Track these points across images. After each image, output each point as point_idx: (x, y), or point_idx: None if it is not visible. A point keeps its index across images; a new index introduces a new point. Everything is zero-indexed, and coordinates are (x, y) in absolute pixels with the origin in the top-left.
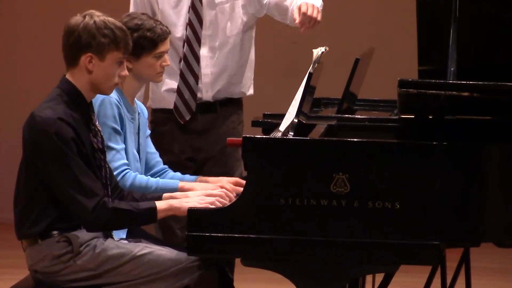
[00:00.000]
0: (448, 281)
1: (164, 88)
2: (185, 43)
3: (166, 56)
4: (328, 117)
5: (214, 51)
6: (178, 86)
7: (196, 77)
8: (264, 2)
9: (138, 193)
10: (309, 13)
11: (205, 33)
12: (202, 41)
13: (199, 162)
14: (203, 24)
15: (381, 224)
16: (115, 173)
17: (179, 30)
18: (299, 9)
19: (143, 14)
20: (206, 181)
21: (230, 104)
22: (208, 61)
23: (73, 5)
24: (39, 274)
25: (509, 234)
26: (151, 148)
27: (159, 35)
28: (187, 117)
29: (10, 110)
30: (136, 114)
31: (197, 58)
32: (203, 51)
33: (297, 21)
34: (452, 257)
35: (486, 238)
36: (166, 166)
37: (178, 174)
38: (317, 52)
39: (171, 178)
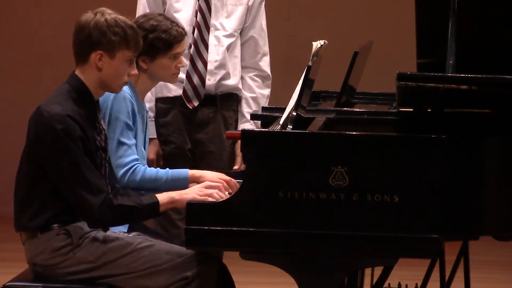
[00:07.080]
0: (447, 274)
1: None
2: (195, 29)
3: (182, 58)
4: (327, 110)
5: (219, 39)
6: (187, 70)
7: (205, 63)
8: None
9: (133, 193)
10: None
11: (212, 21)
12: (210, 28)
13: (197, 156)
14: (211, 12)
15: (380, 217)
16: (125, 168)
17: (185, 17)
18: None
19: (159, 14)
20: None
21: (229, 99)
22: (213, 48)
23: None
24: (38, 267)
25: (508, 227)
26: None
27: (175, 36)
28: (196, 103)
29: (9, 103)
30: (145, 111)
31: (206, 45)
32: (210, 39)
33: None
34: (451, 250)
35: (485, 231)
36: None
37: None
38: (316, 45)
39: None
